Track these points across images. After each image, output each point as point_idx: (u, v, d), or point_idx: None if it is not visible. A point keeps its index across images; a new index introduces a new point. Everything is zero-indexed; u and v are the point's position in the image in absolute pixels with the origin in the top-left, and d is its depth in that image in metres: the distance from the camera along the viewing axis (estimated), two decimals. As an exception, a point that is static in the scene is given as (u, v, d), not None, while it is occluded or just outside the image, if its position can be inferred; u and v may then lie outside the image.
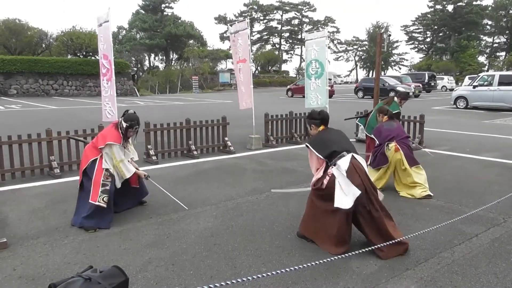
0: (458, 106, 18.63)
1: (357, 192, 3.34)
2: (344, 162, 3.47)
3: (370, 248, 2.94)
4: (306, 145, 3.73)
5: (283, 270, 2.23)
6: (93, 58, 33.53)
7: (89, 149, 4.38)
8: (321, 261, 2.39)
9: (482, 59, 57.27)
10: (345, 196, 3.36)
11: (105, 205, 4.11)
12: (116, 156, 4.25)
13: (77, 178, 6.10)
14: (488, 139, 9.96)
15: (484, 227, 4.13)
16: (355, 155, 3.56)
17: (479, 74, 21.23)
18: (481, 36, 58.93)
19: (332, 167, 3.48)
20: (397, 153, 5.28)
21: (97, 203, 4.07)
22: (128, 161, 4.45)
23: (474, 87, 18.12)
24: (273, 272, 2.21)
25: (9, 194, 5.34)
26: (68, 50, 35.41)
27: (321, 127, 3.79)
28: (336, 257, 2.51)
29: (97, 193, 4.11)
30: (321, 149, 3.59)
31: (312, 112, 3.88)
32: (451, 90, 27.46)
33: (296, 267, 2.31)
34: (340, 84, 61.82)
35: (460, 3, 56.21)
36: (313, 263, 2.37)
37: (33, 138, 6.30)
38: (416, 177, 5.24)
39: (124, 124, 4.28)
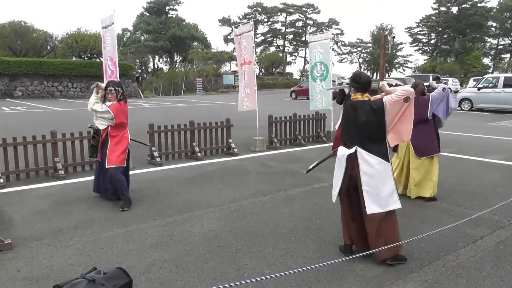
0: (463, 108, 18.55)
1: (337, 187, 3.42)
2: (343, 152, 3.38)
3: (373, 250, 2.93)
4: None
5: (286, 272, 2.22)
6: (97, 60, 33.70)
7: None
8: (324, 263, 2.38)
9: (486, 61, 57.02)
10: (333, 188, 3.50)
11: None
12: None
13: (81, 179, 6.17)
14: (493, 141, 9.91)
15: (489, 229, 4.10)
16: (361, 150, 3.27)
17: (483, 76, 21.13)
18: (486, 38, 58.66)
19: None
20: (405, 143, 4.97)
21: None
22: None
23: (479, 89, 18.03)
24: (277, 274, 2.20)
25: (14, 196, 5.37)
26: (73, 52, 35.55)
27: (358, 94, 3.36)
28: (340, 260, 2.50)
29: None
30: (342, 128, 3.54)
31: (355, 74, 3.49)
32: (456, 92, 27.34)
33: (300, 269, 2.30)
34: (344, 86, 61.65)
35: (465, 5, 55.95)
36: (317, 265, 2.35)
37: (38, 139, 6.33)
38: (417, 173, 5.04)
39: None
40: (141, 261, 3.43)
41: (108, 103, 4.80)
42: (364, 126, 3.26)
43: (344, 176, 3.37)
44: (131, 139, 5.11)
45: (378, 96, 3.46)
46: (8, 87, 27.79)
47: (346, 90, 7.80)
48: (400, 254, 3.38)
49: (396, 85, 4.50)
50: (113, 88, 4.81)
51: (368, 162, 3.27)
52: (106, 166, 4.81)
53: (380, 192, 3.28)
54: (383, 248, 2.91)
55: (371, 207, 3.26)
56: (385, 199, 3.29)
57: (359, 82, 3.35)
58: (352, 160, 3.32)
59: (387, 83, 3.49)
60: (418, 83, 5.32)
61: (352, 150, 3.31)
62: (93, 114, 4.91)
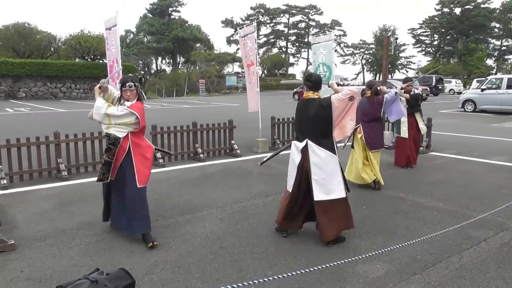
0: (466, 109, 18.49)
1: (291, 179, 3.79)
2: (297, 146, 3.78)
3: (377, 252, 2.92)
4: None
5: (289, 274, 2.22)
6: (100, 61, 33.82)
7: None
8: (327, 265, 2.37)
9: (490, 62, 56.79)
10: (289, 179, 3.87)
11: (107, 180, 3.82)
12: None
13: (84, 180, 6.18)
14: (497, 142, 9.87)
15: (493, 231, 4.08)
16: (311, 143, 3.67)
17: (487, 77, 21.06)
18: (489, 39, 58.43)
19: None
20: (360, 136, 5.67)
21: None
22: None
23: (482, 90, 17.97)
24: (280, 276, 2.20)
25: (17, 196, 5.39)
26: (76, 54, 35.70)
27: (310, 92, 3.81)
28: (342, 261, 2.50)
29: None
30: (295, 119, 3.92)
31: (308, 74, 4.00)
32: (459, 93, 27.25)
33: (302, 271, 2.29)
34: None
35: (468, 6, 55.80)
36: (319, 267, 2.35)
37: (41, 140, 6.35)
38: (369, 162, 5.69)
39: (119, 86, 3.81)
40: (143, 262, 3.43)
41: (128, 103, 3.76)
42: (314, 121, 3.67)
43: (298, 168, 3.75)
44: (155, 148, 4.21)
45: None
46: (11, 88, 27.92)
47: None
48: (340, 236, 3.79)
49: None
50: (133, 84, 3.77)
51: (316, 153, 3.66)
52: (139, 186, 3.76)
53: (326, 181, 3.66)
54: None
55: (318, 195, 3.64)
56: (331, 187, 3.67)
57: (311, 81, 3.80)
58: (304, 153, 3.72)
59: (336, 83, 4.07)
60: (373, 83, 5.89)
61: (304, 143, 3.71)
62: (104, 122, 3.76)
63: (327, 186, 3.64)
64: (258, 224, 4.31)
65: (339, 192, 3.68)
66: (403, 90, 6.45)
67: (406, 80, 7.03)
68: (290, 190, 3.84)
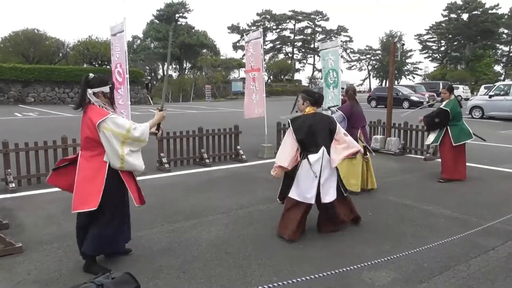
0: (474, 116, 18.37)
1: (308, 192, 3.85)
2: (315, 157, 3.83)
3: (383, 259, 2.90)
4: (288, 121, 3.99)
5: (294, 280, 2.22)
6: (108, 67, 34.10)
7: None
8: (333, 272, 2.36)
9: (498, 68, 56.53)
10: (298, 189, 3.94)
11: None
12: (125, 124, 3.18)
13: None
14: (505, 149, 9.78)
15: (501, 240, 4.03)
16: (326, 151, 3.88)
17: (495, 84, 20.92)
18: (497, 45, 58.19)
19: (302, 157, 3.92)
20: (360, 142, 5.56)
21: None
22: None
23: (490, 96, 17.87)
24: (284, 282, 2.20)
25: (25, 200, 5.43)
26: (84, 59, 36.15)
27: (313, 108, 4.01)
28: (348, 268, 2.48)
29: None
30: (299, 132, 3.89)
31: (311, 91, 4.15)
32: (466, 99, 27.10)
33: (307, 277, 2.28)
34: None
35: (475, 12, 55.69)
36: (324, 274, 2.34)
37: (49, 145, 6.41)
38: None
39: (105, 89, 3.26)
40: (148, 266, 3.43)
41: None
42: (326, 131, 3.92)
43: (318, 180, 3.84)
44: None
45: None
46: (20, 94, 28.26)
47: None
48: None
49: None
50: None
51: (327, 160, 3.89)
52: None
53: (331, 184, 3.95)
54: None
55: (325, 197, 3.90)
56: (335, 190, 3.98)
57: (315, 98, 4.03)
58: (320, 162, 3.85)
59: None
60: (350, 88, 6.09)
61: (320, 153, 3.84)
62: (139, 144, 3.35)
63: (333, 189, 3.97)
64: (264, 229, 4.31)
65: (339, 194, 4.07)
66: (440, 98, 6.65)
67: (444, 85, 6.75)
68: (305, 202, 3.93)
